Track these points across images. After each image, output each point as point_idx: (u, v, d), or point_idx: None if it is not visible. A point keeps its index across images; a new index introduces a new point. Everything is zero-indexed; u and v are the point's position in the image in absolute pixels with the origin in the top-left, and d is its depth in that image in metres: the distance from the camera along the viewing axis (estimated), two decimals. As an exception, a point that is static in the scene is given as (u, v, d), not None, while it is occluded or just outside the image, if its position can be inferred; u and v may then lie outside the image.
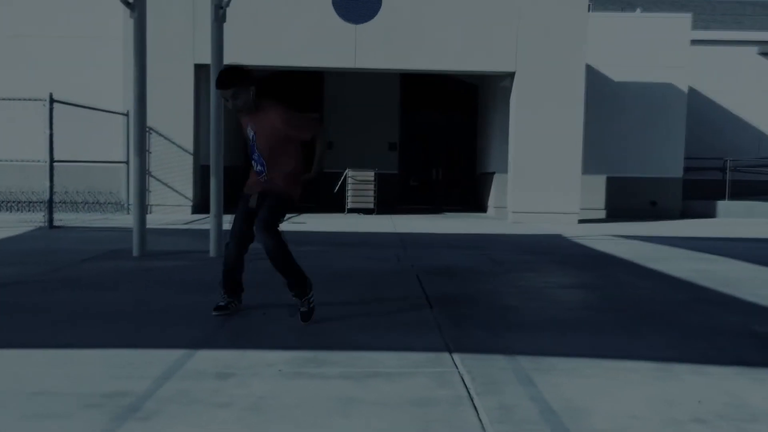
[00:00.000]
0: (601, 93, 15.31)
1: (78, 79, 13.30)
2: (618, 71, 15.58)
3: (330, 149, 18.25)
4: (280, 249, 4.21)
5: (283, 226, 4.46)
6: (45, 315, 4.41)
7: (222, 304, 4.50)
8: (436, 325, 4.27)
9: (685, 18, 16.05)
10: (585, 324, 4.37)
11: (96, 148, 12.04)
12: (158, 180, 13.16)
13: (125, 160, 13.27)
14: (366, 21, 13.70)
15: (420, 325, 4.26)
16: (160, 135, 13.12)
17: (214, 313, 4.41)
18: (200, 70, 13.51)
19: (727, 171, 17.18)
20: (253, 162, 4.38)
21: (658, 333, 4.12)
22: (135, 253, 7.36)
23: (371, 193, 15.17)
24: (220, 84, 4.16)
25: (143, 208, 7.59)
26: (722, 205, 16.26)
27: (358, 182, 15.17)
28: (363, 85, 16.91)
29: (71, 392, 2.93)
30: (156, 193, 13.01)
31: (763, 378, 3.20)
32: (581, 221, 13.30)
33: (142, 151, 7.61)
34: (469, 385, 3.04)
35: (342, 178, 15.38)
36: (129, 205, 13.28)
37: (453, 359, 3.45)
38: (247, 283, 4.72)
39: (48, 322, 4.24)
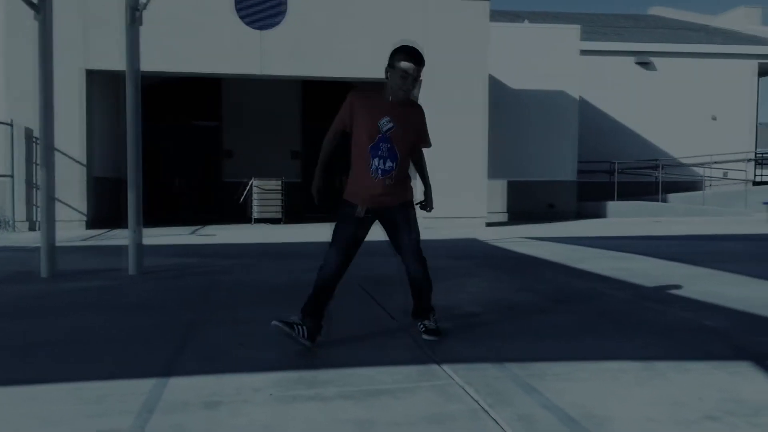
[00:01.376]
0: (501, 100, 15.85)
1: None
2: (515, 79, 16.20)
3: (230, 158, 17.74)
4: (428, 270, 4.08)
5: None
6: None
7: (296, 321, 3.81)
8: (407, 335, 4.19)
9: (575, 29, 16.95)
10: (552, 327, 4.44)
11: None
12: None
13: (10, 173, 12.27)
14: (270, 28, 13.44)
15: (392, 337, 4.17)
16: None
17: (275, 323, 3.76)
18: (92, 75, 12.74)
19: (615, 173, 18.28)
20: (371, 159, 3.84)
21: (621, 332, 4.25)
22: (44, 274, 6.76)
23: (278, 202, 14.87)
24: (419, 59, 3.86)
25: (52, 226, 6.99)
26: (612, 205, 17.28)
27: (265, 191, 14.82)
28: (265, 93, 16.57)
29: (49, 436, 2.61)
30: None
31: (738, 371, 3.36)
32: (488, 224, 13.68)
33: (50, 164, 7.03)
34: (475, 397, 2.98)
35: (247, 187, 14.98)
36: (14, 222, 12.27)
37: (445, 371, 3.39)
38: (179, 302, 4.45)
39: (-19, 356, 3.78)
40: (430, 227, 13.13)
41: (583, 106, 18.09)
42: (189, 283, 6.49)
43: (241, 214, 15.11)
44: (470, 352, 3.78)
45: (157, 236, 10.80)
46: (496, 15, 22.01)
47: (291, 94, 17.04)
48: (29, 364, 3.65)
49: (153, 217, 14.79)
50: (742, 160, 20.86)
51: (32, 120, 10.50)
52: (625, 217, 16.68)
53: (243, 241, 10.73)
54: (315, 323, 3.85)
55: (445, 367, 3.46)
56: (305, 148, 17.52)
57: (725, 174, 20.83)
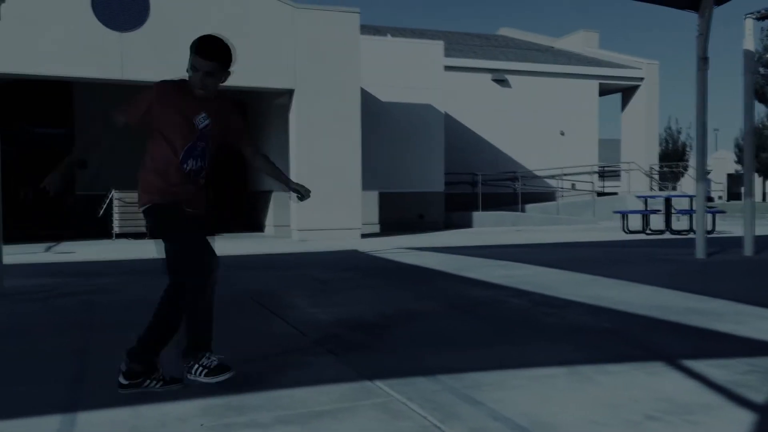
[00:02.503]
0: (371, 112, 16.01)
1: None
2: (384, 93, 16.45)
3: (84, 168, 16.50)
4: None
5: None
6: None
7: (178, 377, 3.32)
8: (326, 351, 4.04)
9: (439, 45, 17.52)
10: (467, 336, 4.47)
11: None
12: None
13: None
14: (132, 30, 12.70)
15: (310, 354, 3.99)
16: None
17: (160, 388, 3.24)
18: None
19: (479, 185, 19.07)
20: (186, 158, 3.31)
21: (535, 338, 4.36)
22: None
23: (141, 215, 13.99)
24: (210, 53, 3.22)
25: None
26: (477, 215, 17.99)
27: (127, 204, 13.90)
28: (124, 97, 15.58)
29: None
30: None
31: (655, 371, 3.54)
32: (363, 236, 13.73)
33: None
34: (422, 413, 2.90)
35: (107, 200, 13.99)
36: None
37: (381, 387, 3.27)
38: (59, 325, 4.02)
39: None
40: (305, 240, 12.99)
41: (448, 120, 18.73)
42: (62, 304, 5.90)
43: (99, 229, 14.08)
44: (397, 365, 3.70)
45: (10, 254, 9.76)
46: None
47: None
48: None
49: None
50: (588, 173, 22.56)
51: None
52: (489, 227, 17.41)
53: (108, 258, 9.98)
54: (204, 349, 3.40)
55: (379, 383, 3.35)
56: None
57: (573, 186, 22.41)
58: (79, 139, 2.90)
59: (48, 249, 11.43)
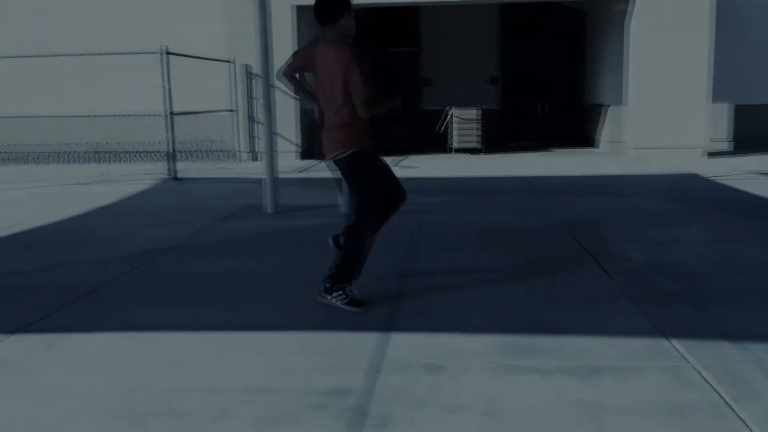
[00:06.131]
0: (723, 11, 14.00)
1: (176, 28, 13.22)
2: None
3: (429, 86, 17.80)
4: None
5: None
6: (220, 288, 4.37)
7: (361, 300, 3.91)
8: (627, 298, 3.96)
9: None
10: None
11: (201, 96, 12.04)
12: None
13: (233, 108, 13.30)
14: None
15: (610, 300, 3.96)
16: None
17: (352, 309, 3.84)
18: (301, 11, 13.21)
19: None
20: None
21: None
22: (269, 209, 7.32)
23: (476, 132, 14.68)
24: (318, 13, 3.79)
25: (273, 164, 7.50)
26: None
27: (463, 121, 14.69)
28: (459, 18, 16.16)
29: (286, 387, 2.84)
30: (263, 140, 13.00)
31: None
32: (709, 155, 12.45)
33: (270, 106, 7.49)
34: (715, 386, 2.74)
35: (444, 116, 14.94)
36: (240, 152, 13.38)
37: (676, 349, 3.15)
38: (391, 245, 4.51)
39: (228, 296, 4.19)
40: (640, 159, 12.27)
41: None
42: (398, 222, 6.63)
43: (441, 144, 15.17)
44: (703, 326, 3.48)
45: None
46: None
47: (488, 18, 16.48)
48: (260, 307, 3.97)
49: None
50: None
51: (250, 57, 11.20)
52: None
53: (445, 175, 10.77)
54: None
55: (675, 342, 3.22)
56: (504, 74, 17.01)
57: None
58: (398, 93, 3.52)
59: (397, 163, 12.78)
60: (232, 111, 13.23)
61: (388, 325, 3.59)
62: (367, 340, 3.39)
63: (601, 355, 3.12)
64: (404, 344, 3.34)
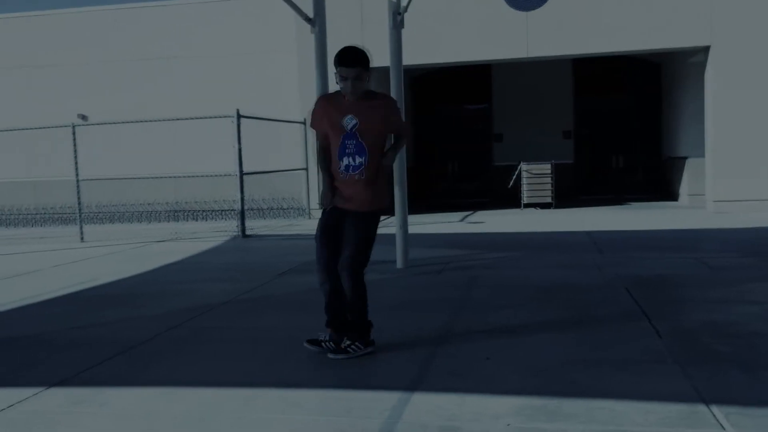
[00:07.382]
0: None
1: (254, 92, 13.86)
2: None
3: (500, 141, 17.74)
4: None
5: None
6: (259, 344, 4.41)
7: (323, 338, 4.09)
8: (673, 361, 3.71)
9: None
10: None
11: (274, 156, 12.47)
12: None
13: (304, 166, 13.67)
14: (537, 8, 13.00)
15: (653, 362, 3.73)
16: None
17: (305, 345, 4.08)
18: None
19: None
20: (341, 157, 3.89)
21: None
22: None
23: (548, 186, 14.43)
24: (352, 60, 3.77)
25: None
26: None
27: (534, 176, 14.49)
28: (532, 73, 16.14)
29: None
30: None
31: None
32: (796, 208, 11.71)
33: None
34: (749, 458, 2.51)
35: (516, 172, 14.80)
36: (309, 210, 13.67)
37: (714, 415, 2.91)
38: (438, 303, 4.42)
39: (264, 352, 4.22)
40: (721, 212, 11.69)
41: None
42: (451, 278, 6.56)
43: (513, 199, 15.01)
44: (749, 392, 3.21)
45: (428, 223, 11.22)
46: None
47: (561, 72, 16.38)
48: (290, 363, 3.96)
49: (426, 203, 15.44)
50: None
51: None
52: None
53: (510, 230, 10.60)
54: (336, 328, 4.01)
55: (715, 409, 2.97)
56: (578, 127, 16.78)
57: None
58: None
59: (462, 219, 12.70)
60: (304, 169, 13.60)
61: (413, 385, 3.50)
62: (388, 399, 3.31)
63: (630, 421, 2.92)
64: (425, 405, 3.24)
